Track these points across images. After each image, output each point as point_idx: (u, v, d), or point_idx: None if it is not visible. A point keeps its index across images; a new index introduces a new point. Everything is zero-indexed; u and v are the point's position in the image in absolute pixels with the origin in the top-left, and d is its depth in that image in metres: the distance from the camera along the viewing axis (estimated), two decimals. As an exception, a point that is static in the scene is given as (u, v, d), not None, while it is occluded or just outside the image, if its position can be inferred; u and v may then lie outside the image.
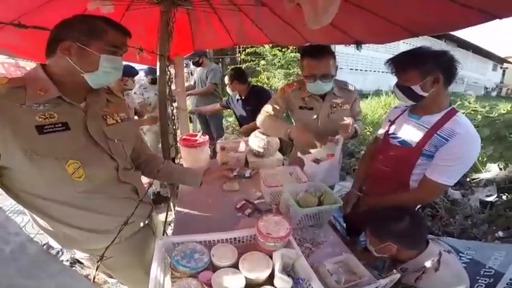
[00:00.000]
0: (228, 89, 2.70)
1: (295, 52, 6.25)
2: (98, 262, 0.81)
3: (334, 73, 1.47)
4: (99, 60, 0.81)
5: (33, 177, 0.77)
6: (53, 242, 0.93)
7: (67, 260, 1.80)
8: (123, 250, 0.99)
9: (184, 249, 0.79)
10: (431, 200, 2.40)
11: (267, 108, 1.64)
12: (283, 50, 6.47)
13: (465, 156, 1.08)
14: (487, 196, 2.74)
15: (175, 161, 2.12)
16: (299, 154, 1.50)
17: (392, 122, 1.36)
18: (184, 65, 3.17)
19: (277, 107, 1.62)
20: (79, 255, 1.00)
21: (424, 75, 1.06)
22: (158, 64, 1.48)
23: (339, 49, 8.65)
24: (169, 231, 1.86)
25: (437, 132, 1.11)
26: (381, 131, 1.46)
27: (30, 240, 0.25)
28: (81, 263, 1.09)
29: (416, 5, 1.10)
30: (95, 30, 0.80)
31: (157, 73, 1.52)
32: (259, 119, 1.63)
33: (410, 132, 1.22)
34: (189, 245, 0.81)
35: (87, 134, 0.85)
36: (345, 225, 2.26)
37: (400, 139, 1.27)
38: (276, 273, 0.71)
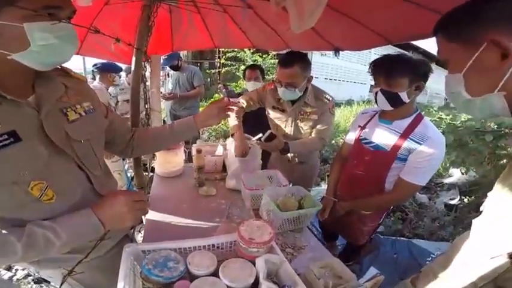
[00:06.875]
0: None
1: (276, 59, 6.35)
2: (65, 277, 0.70)
3: (302, 83, 1.47)
4: (23, 31, 0.54)
5: None
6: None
7: (32, 279, 1.57)
8: (105, 266, 0.84)
9: (156, 257, 0.71)
10: (406, 200, 2.59)
11: (243, 99, 1.76)
12: (263, 56, 6.53)
13: (436, 157, 1.13)
14: (451, 199, 2.94)
15: (148, 164, 2.00)
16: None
17: (362, 128, 1.38)
18: (161, 67, 3.03)
19: (251, 102, 1.74)
20: (47, 273, 0.82)
21: (411, 82, 1.09)
22: (134, 58, 1.39)
23: (315, 59, 8.92)
24: (140, 238, 1.73)
25: (410, 136, 1.16)
26: (350, 136, 1.47)
27: None
28: (48, 281, 0.90)
29: (395, 12, 1.12)
30: None
31: (132, 68, 1.42)
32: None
33: (383, 137, 1.25)
34: (162, 252, 0.73)
35: (47, 141, 0.64)
36: (321, 230, 2.27)
37: (373, 144, 1.29)
38: (261, 280, 0.66)
